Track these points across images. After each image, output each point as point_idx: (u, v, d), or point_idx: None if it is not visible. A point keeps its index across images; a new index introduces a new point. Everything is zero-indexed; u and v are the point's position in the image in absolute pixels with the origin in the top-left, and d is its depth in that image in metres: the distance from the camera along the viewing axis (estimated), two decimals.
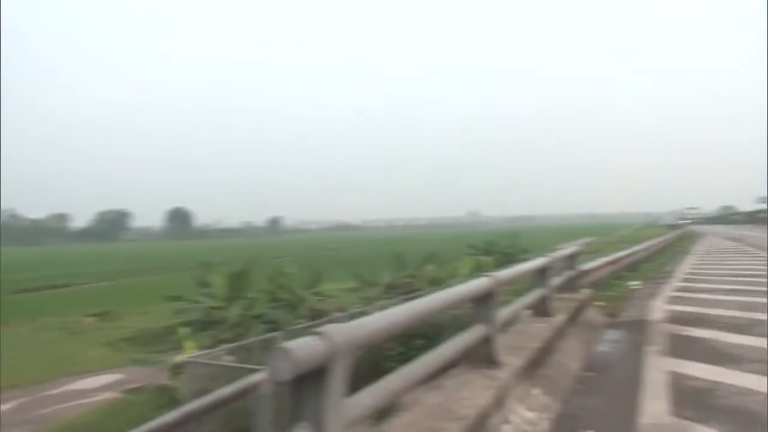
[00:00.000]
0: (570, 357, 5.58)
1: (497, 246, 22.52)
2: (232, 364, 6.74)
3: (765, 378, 4.66)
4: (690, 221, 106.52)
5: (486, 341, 4.16)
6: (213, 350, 7.85)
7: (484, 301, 4.19)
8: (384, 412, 3.16)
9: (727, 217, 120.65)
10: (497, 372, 3.99)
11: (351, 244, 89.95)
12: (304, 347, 2.09)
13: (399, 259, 17.57)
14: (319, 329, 2.26)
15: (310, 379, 2.16)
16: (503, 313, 5.01)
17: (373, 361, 6.21)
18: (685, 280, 12.88)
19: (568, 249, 8.52)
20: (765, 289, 10.12)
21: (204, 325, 11.69)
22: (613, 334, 7.23)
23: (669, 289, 11.14)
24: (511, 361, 4.27)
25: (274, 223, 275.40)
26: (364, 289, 16.39)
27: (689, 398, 4.32)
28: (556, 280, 7.68)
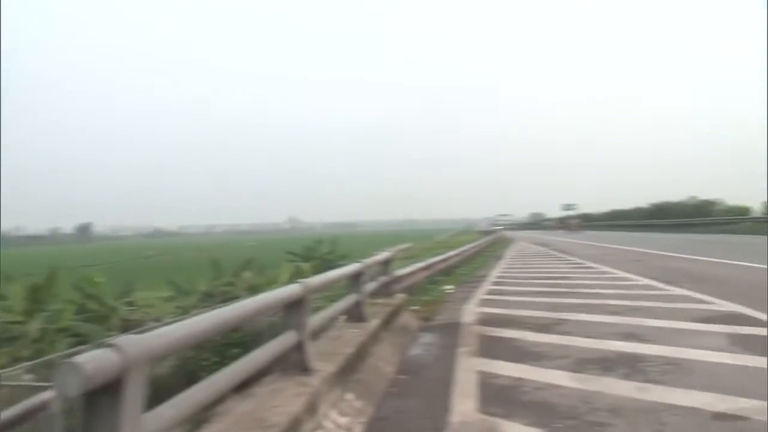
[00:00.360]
0: (384, 361, 6.00)
1: (317, 252, 23.13)
2: (30, 383, 6.37)
3: (565, 373, 5.43)
4: (502, 227, 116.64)
5: (298, 348, 4.39)
6: (8, 369, 7.39)
7: (295, 307, 4.42)
8: (196, 424, 3.26)
9: (537, 223, 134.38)
10: (310, 378, 4.23)
11: (168, 251, 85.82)
12: (94, 360, 2.11)
13: (216, 266, 17.51)
14: (112, 341, 2.29)
15: (104, 394, 2.18)
16: (316, 319, 5.28)
17: (190, 372, 6.19)
18: (496, 283, 14.18)
19: (383, 254, 9.10)
20: (568, 290, 11.58)
21: None
22: (427, 338, 7.83)
23: (481, 293, 12.20)
24: (324, 367, 4.54)
25: (84, 230, 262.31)
26: (181, 297, 16.10)
27: (496, 395, 4.86)
28: (371, 286, 8.15)
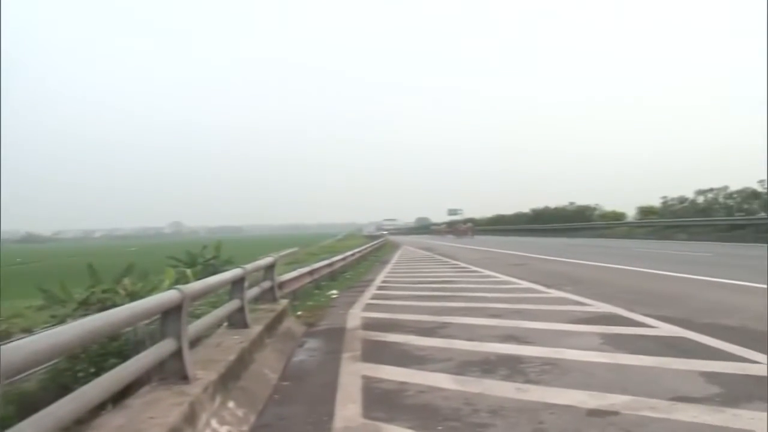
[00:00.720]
0: (267, 367, 5.89)
1: (201, 257, 22.48)
2: None
3: (448, 375, 5.52)
4: (388, 232, 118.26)
5: (177, 356, 4.22)
6: None
7: (173, 314, 4.26)
8: None
9: (425, 228, 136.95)
10: (189, 387, 4.07)
11: (41, 258, 79.97)
12: None
13: (94, 273, 16.46)
14: None
15: None
16: (196, 326, 5.12)
17: (62, 385, 5.79)
18: (381, 287, 14.31)
19: (266, 259, 8.98)
20: (452, 294, 11.84)
21: None
22: (311, 343, 7.78)
23: (366, 297, 12.26)
24: (205, 374, 4.39)
25: None
26: (54, 307, 15.05)
27: (380, 400, 4.88)
28: (254, 291, 8.02)
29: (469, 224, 76.39)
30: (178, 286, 4.45)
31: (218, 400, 4.28)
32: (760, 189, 32.43)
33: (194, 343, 5.75)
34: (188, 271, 18.83)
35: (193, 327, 4.95)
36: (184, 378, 4.19)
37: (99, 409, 3.50)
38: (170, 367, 4.20)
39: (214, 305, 7.79)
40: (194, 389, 4.03)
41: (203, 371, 4.45)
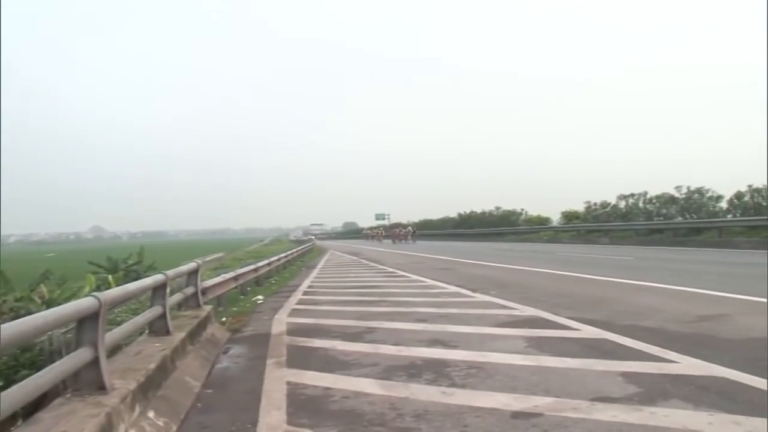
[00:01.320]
0: (190, 375, 5.75)
1: (123, 263, 21.86)
2: None
3: (373, 380, 5.53)
4: (315, 236, 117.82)
5: (93, 365, 4.07)
6: None
7: (89, 322, 4.11)
8: None
9: (357, 232, 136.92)
10: (106, 397, 3.92)
11: None
12: None
13: (6, 280, 15.61)
14: None
15: None
16: (115, 333, 4.95)
17: None
18: (308, 292, 14.22)
19: (190, 265, 8.80)
20: (379, 299, 11.87)
21: None
22: (235, 349, 7.64)
23: (292, 302, 12.15)
24: (123, 384, 4.24)
25: None
26: None
27: (305, 406, 4.84)
28: (177, 297, 7.84)
29: (410, 228, 69.94)
30: (95, 293, 4.29)
31: (137, 410, 4.14)
32: (677, 195, 33.93)
33: (113, 351, 5.58)
34: (110, 278, 18.28)
35: (112, 335, 4.78)
36: (101, 388, 4.04)
37: (8, 423, 3.34)
38: (86, 377, 4.04)
39: (136, 312, 7.57)
40: (111, 400, 3.88)
41: (122, 380, 4.30)
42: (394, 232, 70.29)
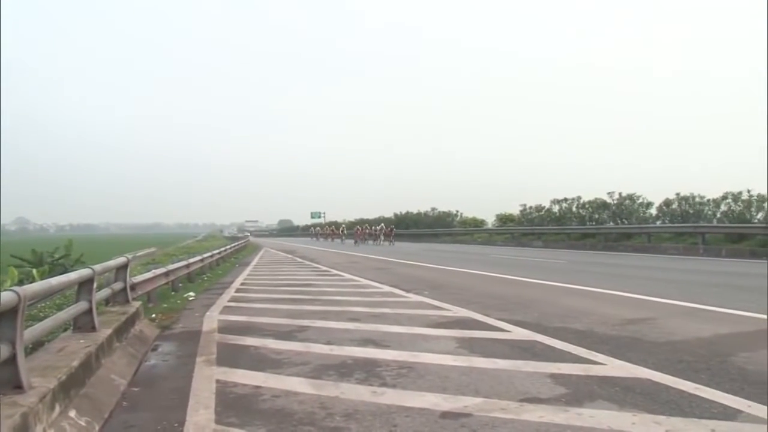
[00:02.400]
0: (115, 373, 5.56)
1: (49, 256, 21.12)
2: None
3: (304, 379, 5.47)
4: (251, 233, 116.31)
5: (10, 363, 3.87)
6: None
7: (7, 317, 3.91)
8: None
9: (286, 230, 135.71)
10: (23, 397, 3.72)
11: None
12: None
13: None
14: None
15: None
16: (35, 329, 4.74)
17: None
18: (240, 290, 14.01)
19: (119, 259, 8.54)
20: (312, 297, 11.79)
21: None
22: (164, 347, 7.45)
23: (224, 300, 11.96)
24: (43, 382, 4.04)
25: None
26: None
27: (234, 405, 4.74)
28: (104, 293, 7.60)
29: (382, 226, 52.56)
30: (14, 288, 4.09)
31: (57, 409, 3.96)
32: (609, 200, 34.95)
33: (34, 348, 5.36)
34: (34, 272, 17.62)
35: (32, 331, 4.58)
36: (18, 387, 3.84)
37: None
38: (2, 375, 3.84)
39: (61, 308, 7.29)
40: (29, 399, 3.69)
41: (41, 379, 4.10)
42: (360, 231, 56.19)
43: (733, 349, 6.15)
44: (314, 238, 74.00)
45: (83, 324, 6.20)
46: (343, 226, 67.32)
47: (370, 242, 52.44)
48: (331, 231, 70.63)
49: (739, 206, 27.44)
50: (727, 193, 28.14)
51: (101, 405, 4.69)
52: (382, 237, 50.46)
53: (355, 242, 53.60)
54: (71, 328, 6.25)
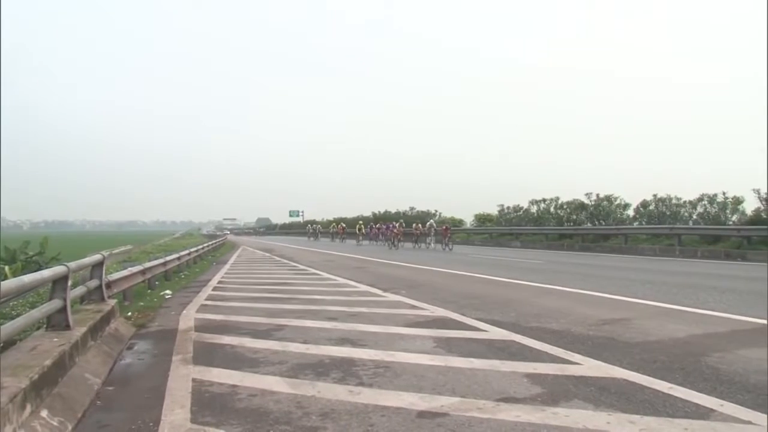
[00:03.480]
0: (90, 372, 5.49)
1: (23, 253, 20.82)
2: None
3: (281, 378, 5.44)
4: (228, 231, 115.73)
5: None
6: None
7: None
8: None
9: (264, 228, 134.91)
10: None
11: None
12: None
13: None
14: None
15: None
16: (6, 328, 4.67)
17: None
18: (218, 288, 13.94)
19: (94, 257, 8.45)
20: (289, 296, 11.74)
21: None
22: (140, 345, 7.39)
23: (201, 298, 11.89)
24: (13, 382, 3.97)
25: None
26: None
27: (210, 404, 4.70)
28: (79, 291, 7.50)
29: (431, 223, 39.20)
30: None
31: (29, 409, 3.90)
32: (586, 201, 35.24)
33: (5, 347, 5.27)
34: (6, 269, 17.36)
35: (4, 329, 4.51)
36: None
37: None
38: None
39: (35, 306, 7.19)
40: None
41: (12, 378, 4.04)
42: (386, 228, 42.73)
43: (706, 349, 6.23)
44: (312, 238, 64.03)
45: (57, 322, 6.12)
46: (361, 222, 51.99)
47: (407, 245, 39.96)
48: (341, 229, 56.99)
49: (715, 208, 27.85)
50: (703, 195, 28.55)
51: (74, 404, 4.63)
52: (431, 239, 37.56)
53: (392, 244, 39.00)
54: (45, 326, 6.16)
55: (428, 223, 39.85)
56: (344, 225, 58.35)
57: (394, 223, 42.34)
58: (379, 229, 46.89)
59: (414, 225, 41.40)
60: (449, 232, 35.53)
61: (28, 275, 5.52)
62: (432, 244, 37.24)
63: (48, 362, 4.65)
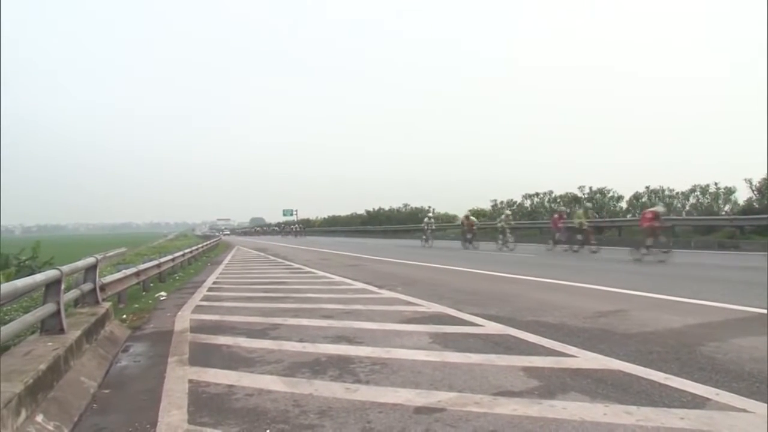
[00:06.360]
0: (85, 375, 5.47)
1: (15, 258, 20.78)
2: None
3: (277, 377, 5.44)
4: (222, 231, 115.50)
5: None
6: None
7: None
8: None
9: (258, 228, 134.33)
10: None
11: None
12: None
13: None
14: None
15: None
16: (1, 332, 4.66)
17: None
18: (213, 289, 13.91)
19: (88, 260, 8.42)
20: (284, 295, 11.73)
21: None
22: (136, 347, 7.36)
23: (196, 299, 11.86)
24: (8, 387, 3.95)
25: None
26: None
27: (207, 404, 4.69)
28: (73, 294, 7.48)
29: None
30: None
31: (24, 414, 3.89)
32: (580, 194, 35.30)
33: None
34: (4, 273, 17.30)
35: None
36: None
37: None
38: None
39: (29, 310, 7.16)
40: None
41: (7, 383, 4.01)
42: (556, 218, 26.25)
43: (701, 339, 6.25)
44: (426, 241, 37.68)
45: (51, 326, 6.10)
46: (431, 216, 41.66)
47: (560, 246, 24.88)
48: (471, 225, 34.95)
49: (707, 199, 27.94)
50: (695, 185, 28.65)
51: (70, 408, 4.61)
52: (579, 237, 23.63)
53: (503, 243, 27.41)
54: (39, 330, 6.14)
55: (562, 211, 28.45)
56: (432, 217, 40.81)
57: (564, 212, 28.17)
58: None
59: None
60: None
61: (21, 280, 5.49)
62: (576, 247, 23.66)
63: (43, 366, 4.63)
